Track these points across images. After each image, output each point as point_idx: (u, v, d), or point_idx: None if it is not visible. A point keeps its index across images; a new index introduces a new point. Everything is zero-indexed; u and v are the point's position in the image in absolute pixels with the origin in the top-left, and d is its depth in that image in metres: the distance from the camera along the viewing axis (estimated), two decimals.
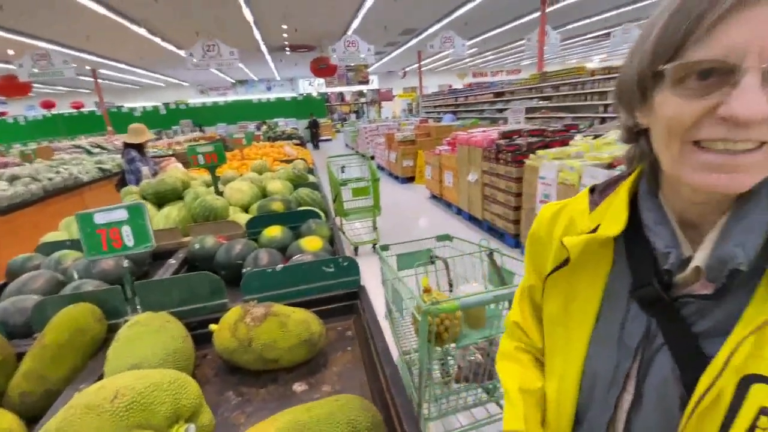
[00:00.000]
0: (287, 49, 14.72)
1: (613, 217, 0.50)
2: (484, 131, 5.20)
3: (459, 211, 5.26)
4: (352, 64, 12.41)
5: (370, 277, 1.90)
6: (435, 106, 17.88)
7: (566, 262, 0.53)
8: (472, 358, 1.26)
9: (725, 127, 0.36)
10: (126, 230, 1.11)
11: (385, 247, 1.57)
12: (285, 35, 12.56)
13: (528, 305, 0.67)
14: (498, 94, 12.57)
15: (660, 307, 0.46)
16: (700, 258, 0.44)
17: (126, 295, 1.14)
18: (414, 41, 14.32)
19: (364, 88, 23.28)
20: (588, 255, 0.53)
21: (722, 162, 0.38)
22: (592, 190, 0.58)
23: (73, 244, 1.78)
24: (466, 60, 21.77)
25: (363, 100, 25.49)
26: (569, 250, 0.51)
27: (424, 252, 1.51)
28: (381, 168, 9.06)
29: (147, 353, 0.86)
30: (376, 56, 17.48)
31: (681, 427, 0.42)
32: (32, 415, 0.84)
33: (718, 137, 0.37)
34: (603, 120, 7.51)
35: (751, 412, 0.38)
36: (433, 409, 1.24)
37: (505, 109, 10.10)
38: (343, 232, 4.23)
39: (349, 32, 11.54)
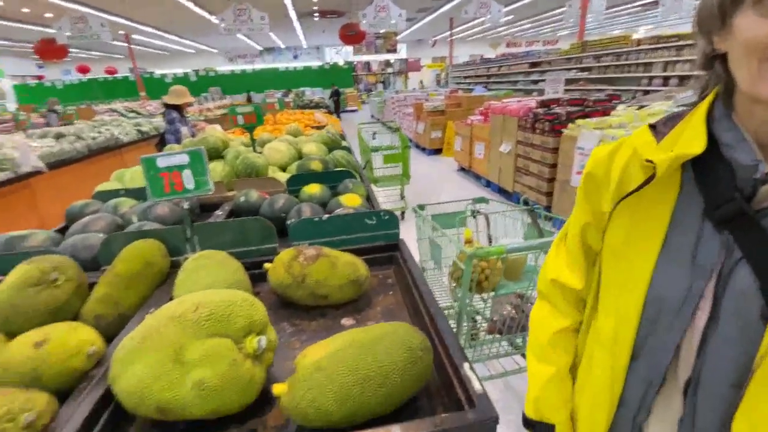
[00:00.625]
0: (316, 14, 14.42)
1: (692, 138, 0.52)
2: (519, 101, 5.04)
3: (488, 184, 5.20)
4: (382, 31, 12.07)
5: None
6: (465, 77, 17.33)
7: (650, 180, 0.54)
8: (505, 312, 1.31)
9: None
10: (187, 174, 1.18)
11: (421, 207, 1.61)
12: (315, 0, 12.30)
13: (566, 250, 0.69)
14: (534, 65, 12.04)
15: (740, 222, 0.48)
16: None
17: (186, 234, 1.23)
18: (447, 6, 13.72)
19: (391, 57, 22.68)
20: (658, 180, 0.54)
21: None
22: (652, 126, 0.59)
23: (127, 193, 1.90)
24: (501, 29, 20.76)
25: (390, 70, 24.91)
26: (657, 165, 0.52)
27: (459, 212, 1.54)
28: (408, 140, 8.97)
29: (212, 281, 0.94)
30: (407, 23, 16.92)
31: (766, 334, 0.45)
32: (105, 336, 0.93)
33: None
34: (646, 92, 7.12)
35: None
36: (467, 354, 1.30)
37: (541, 81, 9.69)
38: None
39: None
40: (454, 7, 13.56)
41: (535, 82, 11.40)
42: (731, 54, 0.47)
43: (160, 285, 1.14)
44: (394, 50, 18.12)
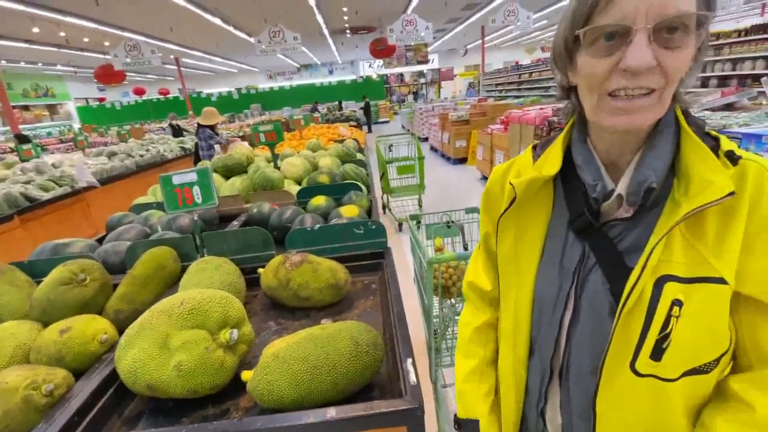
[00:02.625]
0: (348, 31, 14.92)
1: (551, 161, 0.61)
2: (541, 108, 5.00)
3: None
4: (412, 44, 12.28)
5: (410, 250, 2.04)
6: (496, 84, 17.17)
7: (514, 200, 0.63)
8: None
9: (625, 77, 0.47)
10: (196, 190, 1.36)
11: (414, 217, 1.70)
12: (346, 17, 12.75)
13: (482, 256, 0.77)
14: None
15: (591, 232, 0.56)
16: (621, 187, 0.54)
17: (196, 243, 1.40)
18: (477, 16, 13.74)
19: (423, 67, 22.87)
20: (532, 197, 0.62)
21: (624, 106, 0.49)
22: (534, 147, 0.67)
23: (158, 206, 2.14)
24: (536, 33, 20.37)
25: (422, 80, 25.10)
26: (515, 187, 0.61)
27: (437, 223, 1.61)
28: (434, 149, 9.02)
29: (208, 281, 1.09)
30: (437, 34, 17.03)
31: (613, 328, 0.52)
32: (122, 328, 1.07)
33: (621, 86, 0.48)
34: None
35: (666, 304, 0.48)
36: (446, 358, 1.37)
37: None
38: (390, 209, 4.39)
39: (409, 10, 11.40)
40: (483, 16, 13.56)
41: None
42: (579, 87, 0.55)
43: (172, 285, 1.32)
44: (425, 61, 18.28)
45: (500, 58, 24.77)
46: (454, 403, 1.87)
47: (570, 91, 0.59)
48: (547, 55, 23.02)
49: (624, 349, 0.51)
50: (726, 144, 0.50)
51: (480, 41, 16.96)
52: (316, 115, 7.93)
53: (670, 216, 0.49)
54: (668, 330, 0.48)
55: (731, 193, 0.45)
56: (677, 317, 0.48)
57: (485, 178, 6.02)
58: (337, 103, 16.23)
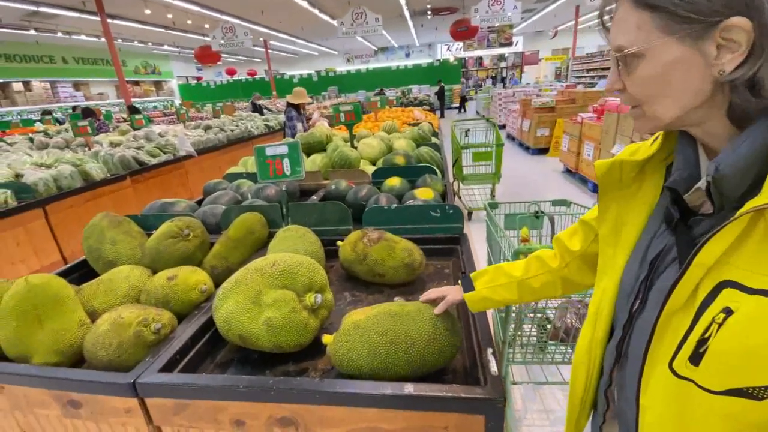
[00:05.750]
0: (429, 12, 14.56)
1: (649, 145, 0.58)
2: None
3: (595, 188, 4.73)
4: (496, 25, 11.63)
5: (480, 240, 1.97)
6: (588, 70, 15.71)
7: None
8: (568, 319, 1.27)
9: None
10: (286, 162, 1.43)
11: (493, 205, 1.62)
12: None
13: (581, 222, 0.75)
14: None
15: (677, 225, 0.52)
16: (702, 181, 0.49)
17: (282, 211, 1.49)
18: None
19: (505, 50, 21.58)
20: (629, 183, 0.60)
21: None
22: None
23: (248, 176, 2.31)
24: None
25: (503, 64, 23.77)
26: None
27: (523, 213, 1.52)
28: (511, 138, 8.56)
29: (294, 248, 1.15)
30: (525, 14, 15.93)
31: (654, 322, 0.50)
32: (216, 282, 1.19)
33: None
34: None
35: (715, 309, 0.44)
36: (518, 356, 1.31)
37: None
38: (460, 197, 4.27)
39: None
40: None
41: None
42: None
43: (260, 248, 1.41)
44: (509, 44, 17.21)
45: (594, 42, 22.51)
46: (518, 402, 1.80)
47: None
48: None
49: (664, 346, 0.50)
50: None
51: (573, 22, 15.56)
52: (392, 98, 7.91)
53: (740, 219, 0.43)
54: (707, 335, 0.44)
55: None
56: (719, 324, 0.43)
57: (569, 171, 5.57)
58: (408, 88, 16.04)
